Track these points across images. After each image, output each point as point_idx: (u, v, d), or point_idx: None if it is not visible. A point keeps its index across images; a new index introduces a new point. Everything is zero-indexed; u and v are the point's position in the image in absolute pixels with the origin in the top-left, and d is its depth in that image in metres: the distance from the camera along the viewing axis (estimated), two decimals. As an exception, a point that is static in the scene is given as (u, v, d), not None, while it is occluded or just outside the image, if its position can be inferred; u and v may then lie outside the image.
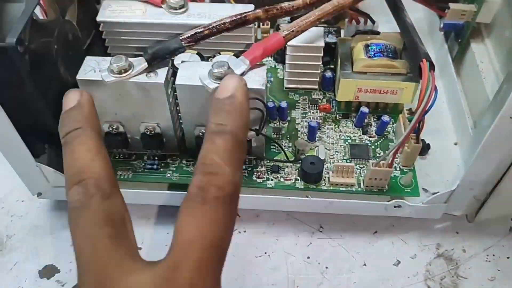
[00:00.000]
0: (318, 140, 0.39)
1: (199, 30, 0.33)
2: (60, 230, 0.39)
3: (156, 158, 0.38)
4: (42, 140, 0.37)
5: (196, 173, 0.25)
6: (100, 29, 0.38)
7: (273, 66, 0.45)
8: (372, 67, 0.38)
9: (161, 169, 0.37)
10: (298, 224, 0.39)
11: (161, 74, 0.33)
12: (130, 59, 0.32)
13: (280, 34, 0.34)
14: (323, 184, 0.37)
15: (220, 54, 0.37)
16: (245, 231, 0.39)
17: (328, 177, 0.37)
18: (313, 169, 0.36)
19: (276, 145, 0.39)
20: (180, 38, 0.33)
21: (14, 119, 0.32)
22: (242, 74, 0.32)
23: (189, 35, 0.33)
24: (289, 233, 0.39)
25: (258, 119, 0.34)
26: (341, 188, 0.37)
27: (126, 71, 0.32)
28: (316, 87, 0.43)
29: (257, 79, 0.32)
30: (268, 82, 0.44)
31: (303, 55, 0.40)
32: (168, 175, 0.37)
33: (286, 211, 0.40)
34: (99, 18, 0.37)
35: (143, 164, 0.38)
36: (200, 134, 0.36)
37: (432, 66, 0.35)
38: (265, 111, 0.33)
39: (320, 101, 0.42)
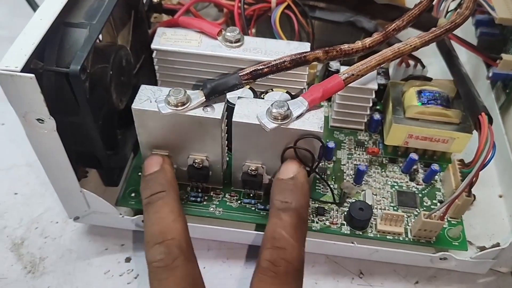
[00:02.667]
0: (364, 183, 0.39)
1: (258, 68, 0.32)
2: (94, 256, 0.38)
3: (199, 190, 0.37)
4: (86, 164, 0.36)
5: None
6: (153, 56, 0.37)
7: (319, 102, 0.44)
8: (425, 114, 0.37)
9: (205, 202, 0.37)
10: (338, 268, 0.38)
11: (218, 109, 0.32)
12: (188, 92, 0.32)
13: (340, 77, 0.33)
14: (369, 231, 0.36)
15: (272, 90, 0.37)
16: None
17: (375, 224, 0.36)
18: (362, 216, 0.35)
19: (322, 186, 0.38)
20: (239, 74, 0.32)
21: (64, 143, 0.31)
22: (300, 115, 0.32)
23: (248, 72, 0.32)
24: (329, 277, 0.38)
25: (310, 158, 0.33)
26: (388, 237, 0.36)
27: (183, 104, 0.31)
28: (363, 128, 0.42)
29: (315, 122, 0.32)
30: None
31: (355, 96, 0.39)
32: (211, 209, 0.36)
33: (325, 254, 0.39)
34: (154, 45, 0.37)
35: (186, 195, 0.37)
36: (249, 170, 0.35)
37: (490, 120, 0.34)
38: (320, 152, 0.33)
39: (366, 143, 0.41)
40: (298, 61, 0.33)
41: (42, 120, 0.29)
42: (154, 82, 0.44)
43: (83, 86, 0.29)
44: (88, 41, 0.30)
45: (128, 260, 0.38)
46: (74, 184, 0.33)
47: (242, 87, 0.33)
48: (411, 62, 0.44)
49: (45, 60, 0.29)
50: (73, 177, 0.33)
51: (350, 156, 0.40)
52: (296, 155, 0.33)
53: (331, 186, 0.38)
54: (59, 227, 0.40)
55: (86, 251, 0.38)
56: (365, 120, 0.41)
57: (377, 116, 0.41)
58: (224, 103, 0.33)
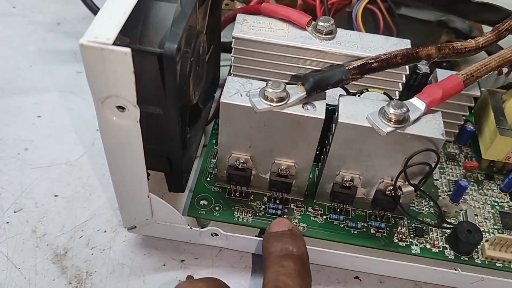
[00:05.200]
0: (462, 202, 0.34)
1: (368, 61, 0.28)
2: (150, 273, 0.33)
3: (278, 202, 0.32)
4: (153, 166, 0.31)
5: None
6: (232, 45, 0.33)
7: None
8: (535, 126, 0.33)
9: (285, 216, 0.32)
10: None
11: (320, 108, 0.28)
12: (286, 85, 0.27)
13: (459, 77, 0.29)
14: (476, 257, 0.31)
15: (368, 90, 0.32)
16: (367, 299, 0.33)
17: (481, 249, 0.31)
18: (471, 239, 0.30)
19: (415, 202, 0.33)
20: (347, 68, 0.28)
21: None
22: (417, 119, 0.27)
23: (356, 65, 0.28)
24: (421, 308, 0.33)
25: (420, 173, 0.29)
26: (497, 264, 0.31)
27: (282, 100, 0.27)
28: (452, 139, 0.38)
29: (435, 127, 0.27)
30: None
31: (451, 102, 0.35)
32: (293, 223, 0.31)
33: (415, 280, 0.34)
34: (235, 33, 0.32)
35: (263, 207, 0.32)
36: (343, 181, 0.30)
37: None
38: (435, 165, 0.28)
39: (457, 156, 0.37)
40: (410, 57, 0.29)
41: (124, 108, 0.24)
42: (217, 83, 0.40)
43: (175, 69, 0.24)
44: (182, 16, 0.25)
45: (190, 278, 0.33)
46: (143, 187, 0.28)
47: (348, 83, 0.28)
48: (504, 69, 0.40)
49: (128, 37, 0.25)
50: (144, 180, 0.28)
51: (442, 171, 0.36)
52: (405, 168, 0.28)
53: (426, 203, 0.33)
54: (108, 237, 0.35)
55: (140, 266, 0.33)
56: (457, 130, 0.37)
57: (470, 127, 0.37)
58: (325, 100, 0.28)
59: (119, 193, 0.29)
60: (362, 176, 0.30)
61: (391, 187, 0.29)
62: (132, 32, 0.25)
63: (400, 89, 0.33)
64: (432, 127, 0.27)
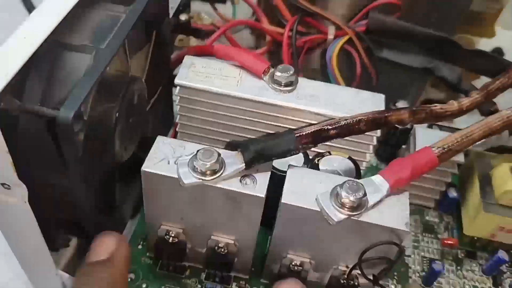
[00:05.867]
0: (435, 286, 0.29)
1: (323, 128, 0.23)
2: None
3: (217, 280, 0.28)
4: (68, 231, 0.27)
5: None
6: (176, 93, 0.28)
7: (374, 165, 0.35)
8: (527, 203, 0.28)
9: (224, 298, 0.27)
10: None
11: (261, 182, 0.23)
12: (222, 153, 0.22)
13: (433, 152, 0.24)
14: None
15: (330, 153, 0.27)
16: None
17: None
18: None
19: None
20: (296, 135, 0.23)
21: (40, 209, 0.22)
22: (379, 202, 0.23)
23: (309, 132, 0.23)
24: None
25: (380, 263, 0.24)
26: None
27: (214, 172, 0.22)
28: (432, 205, 0.33)
29: (398, 214, 0.23)
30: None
31: (431, 167, 0.30)
32: (234, 307, 0.27)
33: None
34: (178, 80, 0.27)
35: (200, 286, 0.27)
36: (291, 265, 0.25)
37: None
38: (399, 258, 0.23)
39: (436, 227, 0.32)
40: (378, 123, 0.24)
41: (9, 186, 0.19)
42: (170, 122, 0.35)
43: (75, 139, 0.20)
44: (91, 73, 0.20)
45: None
46: (48, 265, 0.24)
47: (298, 153, 0.24)
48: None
49: (25, 96, 0.20)
50: (47, 258, 0.23)
51: (416, 245, 0.31)
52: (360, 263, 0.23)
53: (393, 287, 0.29)
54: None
55: None
56: (438, 197, 0.32)
57: (453, 193, 0.32)
58: (269, 173, 0.23)
59: (26, 270, 0.25)
60: (314, 260, 0.25)
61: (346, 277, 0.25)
62: (33, 89, 0.20)
63: (371, 151, 0.29)
64: (395, 214, 0.23)
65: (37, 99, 0.21)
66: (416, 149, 0.30)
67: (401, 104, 0.34)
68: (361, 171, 0.27)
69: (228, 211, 0.24)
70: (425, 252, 0.31)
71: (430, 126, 0.35)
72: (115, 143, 0.25)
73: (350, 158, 0.27)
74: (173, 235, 0.25)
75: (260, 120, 0.28)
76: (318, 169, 0.26)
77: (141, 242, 0.29)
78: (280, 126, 0.28)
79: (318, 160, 0.27)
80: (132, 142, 0.28)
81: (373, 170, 0.34)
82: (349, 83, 0.34)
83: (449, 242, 0.30)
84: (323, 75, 0.35)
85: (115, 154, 0.26)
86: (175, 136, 0.31)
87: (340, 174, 0.27)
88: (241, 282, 0.28)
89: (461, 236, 0.31)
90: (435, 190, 0.32)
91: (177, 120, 0.30)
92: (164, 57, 0.30)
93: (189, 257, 0.27)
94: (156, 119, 0.32)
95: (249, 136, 0.29)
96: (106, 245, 0.23)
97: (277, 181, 0.24)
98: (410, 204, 0.30)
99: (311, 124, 0.23)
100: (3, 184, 0.19)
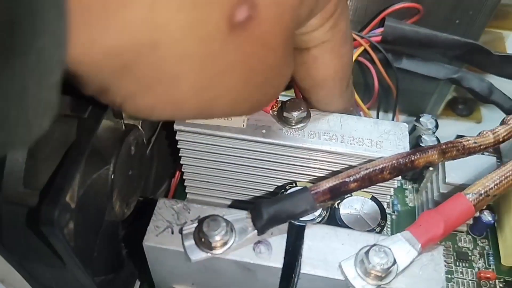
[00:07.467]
0: (473, 323, 0.27)
1: (344, 181, 0.21)
2: None
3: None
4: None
5: None
6: (176, 137, 0.26)
7: (399, 185, 0.32)
8: None
9: None
10: None
11: (278, 251, 0.20)
12: (230, 220, 0.20)
13: (468, 200, 0.21)
14: None
15: (351, 194, 0.25)
16: None
17: None
18: None
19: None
20: (312, 192, 0.20)
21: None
22: (410, 263, 0.20)
23: (326, 188, 0.20)
24: None
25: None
26: None
27: (224, 244, 0.20)
28: (465, 229, 0.30)
29: (434, 277, 0.20)
30: (394, 212, 0.31)
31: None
32: None
33: None
34: (177, 125, 0.25)
35: None
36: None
37: None
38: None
39: (470, 254, 0.29)
40: (403, 169, 0.21)
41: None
42: (174, 158, 0.32)
43: (62, 237, 0.17)
44: (74, 153, 0.18)
45: None
46: None
47: (315, 211, 0.21)
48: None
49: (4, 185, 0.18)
50: None
51: (450, 277, 0.28)
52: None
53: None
54: None
55: None
56: (471, 221, 0.29)
57: (487, 217, 0.29)
58: (285, 237, 0.21)
59: None
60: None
61: None
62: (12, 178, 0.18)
63: (392, 193, 0.26)
64: (429, 278, 0.20)
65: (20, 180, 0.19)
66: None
67: (425, 118, 0.31)
68: (386, 210, 0.25)
69: (242, 279, 0.21)
70: (459, 285, 0.28)
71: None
72: (114, 205, 0.23)
73: (373, 198, 0.25)
74: (185, 298, 0.24)
75: (271, 160, 0.25)
76: (339, 213, 0.24)
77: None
78: (294, 165, 0.25)
79: (338, 204, 0.25)
80: (134, 194, 0.26)
81: (398, 192, 0.32)
82: (366, 97, 0.31)
83: (486, 275, 0.28)
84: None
85: (116, 215, 0.23)
86: (180, 177, 0.29)
87: (363, 218, 0.24)
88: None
89: (499, 265, 0.29)
90: (467, 214, 0.29)
91: (181, 161, 0.27)
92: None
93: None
94: (160, 153, 0.29)
95: (259, 175, 0.27)
96: None
97: (297, 233, 0.21)
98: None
99: (327, 179, 0.21)
100: None
